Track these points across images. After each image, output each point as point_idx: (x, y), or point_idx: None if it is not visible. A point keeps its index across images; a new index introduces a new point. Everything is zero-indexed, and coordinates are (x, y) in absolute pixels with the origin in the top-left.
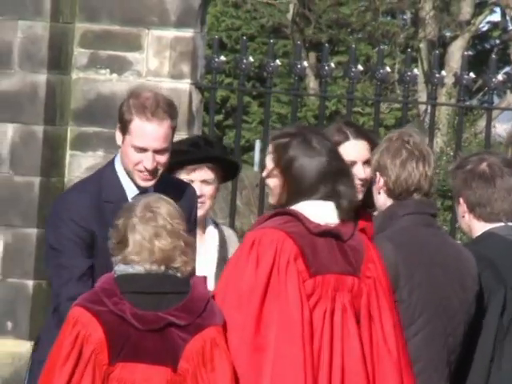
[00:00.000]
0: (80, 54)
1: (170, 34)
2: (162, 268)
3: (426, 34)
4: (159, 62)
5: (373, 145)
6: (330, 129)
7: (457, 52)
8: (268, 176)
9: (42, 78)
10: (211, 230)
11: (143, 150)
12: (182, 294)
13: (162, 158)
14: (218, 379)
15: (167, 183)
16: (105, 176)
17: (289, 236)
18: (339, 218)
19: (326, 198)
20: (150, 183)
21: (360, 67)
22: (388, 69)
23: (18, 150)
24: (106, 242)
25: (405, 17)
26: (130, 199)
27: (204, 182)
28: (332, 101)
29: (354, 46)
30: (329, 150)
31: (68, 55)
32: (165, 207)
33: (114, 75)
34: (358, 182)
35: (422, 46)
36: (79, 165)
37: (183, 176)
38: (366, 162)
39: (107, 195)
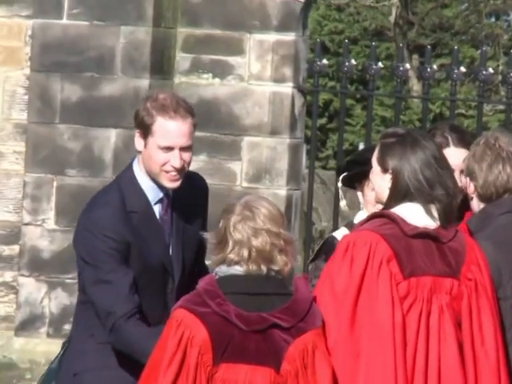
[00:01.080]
0: (182, 59)
1: (272, 37)
2: (264, 268)
3: None
4: (261, 65)
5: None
6: (435, 131)
7: None
8: (372, 176)
9: (144, 83)
10: None
11: (169, 149)
12: (285, 296)
13: (187, 156)
14: (319, 382)
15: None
16: (124, 185)
17: (383, 238)
18: (440, 221)
19: (427, 201)
20: (177, 183)
21: (463, 69)
22: (491, 70)
23: (121, 155)
24: (140, 250)
25: (508, 18)
26: (153, 206)
27: None
28: (436, 103)
29: (456, 47)
30: (434, 154)
31: (170, 60)
32: (264, 207)
33: (217, 79)
34: None
35: None
36: None
37: (371, 184)
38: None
39: (131, 205)
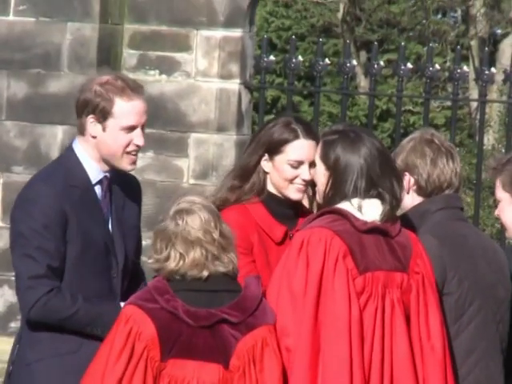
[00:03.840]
0: (129, 55)
1: (219, 34)
2: (203, 273)
3: (476, 31)
4: (208, 62)
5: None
6: (278, 123)
7: (507, 49)
8: (315, 174)
9: None
10: None
11: (132, 128)
12: (234, 293)
13: (143, 134)
14: (266, 380)
15: (117, 175)
16: (66, 162)
17: (336, 234)
18: (386, 216)
19: (372, 196)
20: (135, 166)
21: (409, 65)
22: (438, 66)
23: None
24: (80, 226)
25: (455, 15)
26: (93, 184)
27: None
28: (382, 100)
29: (403, 44)
30: (376, 148)
31: (117, 56)
32: (194, 215)
33: (163, 76)
34: (300, 182)
35: (473, 43)
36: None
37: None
38: (312, 163)
39: (73, 180)
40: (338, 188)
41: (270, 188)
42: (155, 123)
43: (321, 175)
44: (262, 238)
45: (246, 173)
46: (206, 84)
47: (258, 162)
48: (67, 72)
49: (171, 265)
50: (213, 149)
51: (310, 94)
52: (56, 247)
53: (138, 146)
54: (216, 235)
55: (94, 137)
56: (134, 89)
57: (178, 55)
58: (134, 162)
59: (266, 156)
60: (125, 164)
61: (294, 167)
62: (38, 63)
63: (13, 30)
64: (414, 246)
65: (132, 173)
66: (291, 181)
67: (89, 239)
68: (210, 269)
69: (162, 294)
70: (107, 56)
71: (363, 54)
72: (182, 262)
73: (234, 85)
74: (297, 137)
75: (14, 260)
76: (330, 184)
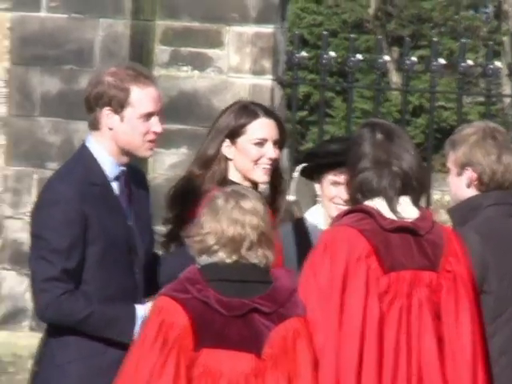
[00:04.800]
0: (161, 52)
1: (251, 30)
2: (234, 257)
3: (509, 27)
4: (240, 58)
5: (280, 125)
6: (234, 108)
7: None
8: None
9: None
10: None
11: (150, 115)
12: (266, 284)
13: (160, 122)
14: (299, 370)
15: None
16: (82, 160)
17: (361, 233)
18: (416, 212)
19: (401, 193)
20: (153, 152)
21: (442, 61)
22: (470, 62)
23: None
24: (102, 225)
25: (487, 10)
26: (111, 180)
27: None
28: (415, 95)
29: (435, 39)
30: (404, 146)
31: (149, 53)
32: (246, 199)
33: (196, 72)
34: (266, 162)
35: (506, 39)
36: (162, 162)
37: (330, 177)
38: (276, 142)
39: (93, 177)
40: (366, 186)
41: (232, 177)
42: (188, 119)
43: (348, 173)
44: None
45: (205, 161)
46: (238, 80)
47: (219, 150)
48: (100, 68)
49: (210, 239)
50: None
51: (343, 90)
52: (73, 249)
53: (156, 133)
54: (260, 224)
55: (111, 128)
56: (147, 76)
57: (210, 51)
58: (152, 149)
59: (228, 142)
60: (144, 152)
61: (259, 145)
62: (71, 59)
63: (45, 26)
64: (448, 244)
65: (165, 169)
66: (257, 161)
67: (111, 238)
68: (241, 255)
69: (194, 284)
70: (139, 52)
71: (395, 50)
72: (220, 237)
73: (267, 81)
74: (257, 116)
75: (30, 261)
76: (355, 183)
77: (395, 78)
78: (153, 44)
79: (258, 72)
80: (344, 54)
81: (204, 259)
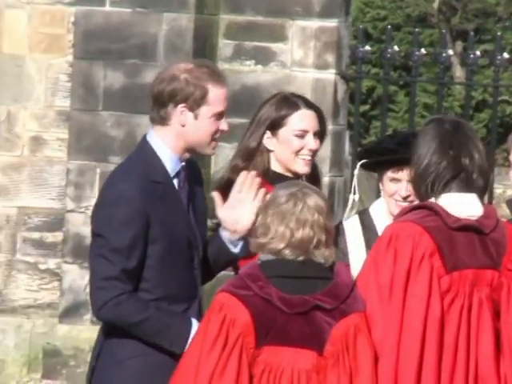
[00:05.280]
0: (225, 46)
1: (314, 24)
2: (301, 258)
3: None
4: (303, 52)
5: (321, 116)
6: (275, 100)
7: None
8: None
9: None
10: None
11: (222, 114)
12: (326, 280)
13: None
14: (360, 366)
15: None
16: (143, 156)
17: (426, 231)
18: (481, 209)
19: (467, 189)
20: (215, 150)
21: (506, 55)
22: None
23: None
24: (164, 223)
25: None
26: (172, 176)
27: None
28: (478, 90)
29: (499, 34)
30: (470, 141)
31: (213, 47)
32: (311, 198)
33: (259, 66)
34: (307, 153)
35: None
36: (225, 156)
37: (389, 174)
38: (316, 134)
39: (155, 175)
40: (432, 182)
41: (275, 168)
42: (251, 113)
43: (411, 169)
44: None
45: (248, 153)
46: (301, 74)
47: (261, 142)
48: (163, 62)
49: (278, 243)
50: None
51: (406, 84)
52: (134, 249)
53: (223, 131)
54: (326, 223)
55: (183, 125)
56: (220, 75)
57: (273, 45)
58: (215, 147)
59: (269, 133)
60: (209, 150)
61: (300, 137)
62: (135, 54)
63: (109, 20)
64: (511, 242)
65: (228, 162)
66: (297, 153)
67: (173, 236)
68: (309, 254)
69: (256, 281)
70: (203, 46)
71: (459, 44)
72: (289, 240)
73: (330, 75)
74: (298, 108)
75: (90, 259)
76: (421, 179)
77: (459, 72)
78: (216, 38)
79: (321, 66)
80: (408, 48)
81: (265, 255)
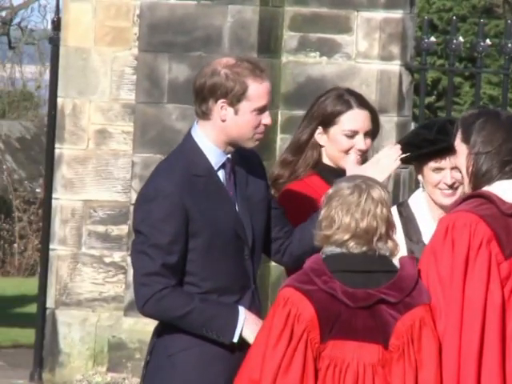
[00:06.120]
0: (289, 38)
1: (379, 15)
2: (364, 248)
3: None
4: (368, 43)
5: (374, 115)
6: (330, 96)
7: None
8: (457, 159)
9: None
10: None
11: (263, 109)
12: (390, 273)
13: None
14: (425, 360)
15: (235, 152)
16: (186, 151)
17: (482, 219)
18: None
19: None
20: (258, 142)
21: None
22: None
23: None
24: (206, 216)
25: None
26: (216, 169)
27: (455, 168)
28: None
29: None
30: None
31: (278, 39)
32: (374, 190)
33: (324, 58)
34: (357, 153)
35: None
36: None
37: (432, 164)
38: (367, 133)
39: (195, 169)
40: (483, 171)
41: (326, 161)
42: None
43: (463, 158)
44: None
45: (299, 147)
46: (366, 66)
47: (312, 136)
48: (228, 54)
49: (343, 234)
50: None
51: (471, 76)
52: (174, 244)
53: (266, 125)
54: (389, 215)
55: (224, 120)
56: (262, 70)
57: (338, 37)
58: (259, 140)
59: (320, 129)
60: (252, 143)
61: (349, 137)
62: (200, 46)
63: (174, 13)
64: None
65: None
66: (347, 152)
67: (216, 229)
68: (371, 246)
69: (320, 276)
70: (268, 38)
71: None
72: (355, 230)
73: (395, 66)
74: (350, 107)
75: (131, 256)
76: (474, 167)
77: None
78: (281, 30)
79: (386, 58)
80: (473, 39)
81: (330, 249)
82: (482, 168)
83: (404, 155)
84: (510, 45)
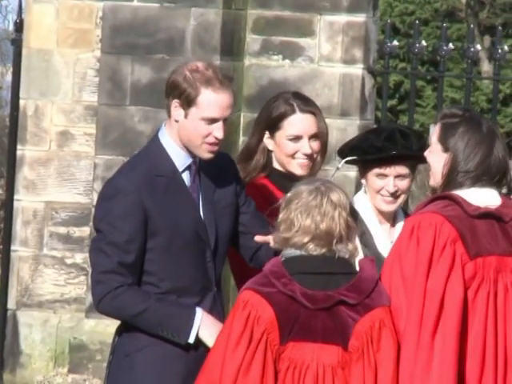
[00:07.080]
0: (252, 41)
1: (342, 19)
2: (324, 250)
3: None
4: (331, 47)
5: (319, 119)
6: (278, 99)
7: None
8: (430, 155)
9: None
10: (401, 225)
11: (214, 120)
12: (350, 275)
13: (225, 128)
14: (383, 360)
15: None
16: (150, 152)
17: (447, 219)
18: (499, 199)
19: (488, 182)
20: (214, 155)
21: None
22: None
23: None
24: (167, 217)
25: None
26: (180, 171)
27: (399, 176)
28: (506, 84)
29: None
30: (497, 137)
31: (240, 41)
32: (332, 192)
33: (287, 61)
34: (302, 157)
35: None
36: None
37: (376, 170)
38: (313, 137)
39: (158, 169)
40: (455, 172)
41: (276, 165)
42: None
43: (437, 157)
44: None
45: (249, 152)
46: (329, 69)
47: (260, 141)
48: (191, 57)
49: (303, 236)
50: (336, 133)
51: (433, 79)
52: (131, 243)
53: (217, 138)
54: (348, 217)
55: (177, 121)
56: (222, 81)
57: (301, 40)
58: (213, 152)
59: (267, 134)
60: (202, 152)
61: (294, 141)
62: (162, 48)
63: (137, 15)
64: None
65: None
66: (293, 156)
67: (176, 229)
68: (331, 248)
69: (279, 278)
70: (231, 41)
71: (487, 39)
72: (314, 232)
73: (358, 70)
74: (293, 111)
75: (89, 253)
76: (446, 168)
77: (486, 66)
78: (244, 33)
79: (348, 61)
80: (435, 43)
81: (289, 252)
82: (457, 178)
83: (350, 158)
84: (472, 49)
